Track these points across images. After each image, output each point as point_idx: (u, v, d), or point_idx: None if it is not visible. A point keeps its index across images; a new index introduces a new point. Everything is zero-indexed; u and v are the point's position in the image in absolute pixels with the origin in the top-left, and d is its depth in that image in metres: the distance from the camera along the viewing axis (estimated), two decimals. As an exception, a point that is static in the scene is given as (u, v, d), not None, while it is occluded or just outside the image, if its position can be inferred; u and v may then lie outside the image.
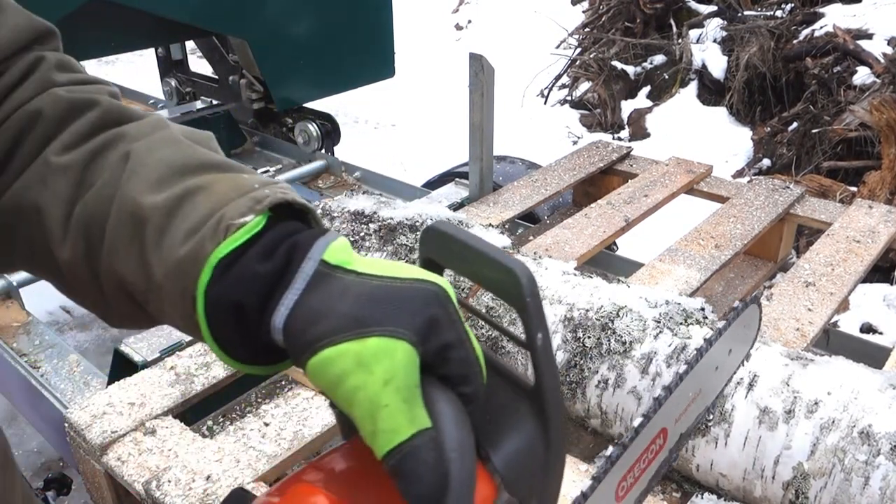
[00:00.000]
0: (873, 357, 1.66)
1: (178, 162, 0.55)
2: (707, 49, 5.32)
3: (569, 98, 5.92)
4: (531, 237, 1.98)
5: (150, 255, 0.52)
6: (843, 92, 4.28)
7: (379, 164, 3.37)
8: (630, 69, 5.67)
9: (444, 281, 0.50)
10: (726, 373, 0.83)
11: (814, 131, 4.27)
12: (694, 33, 5.53)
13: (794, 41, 4.78)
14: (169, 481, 1.14)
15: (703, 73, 5.28)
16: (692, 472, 1.18)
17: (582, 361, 1.26)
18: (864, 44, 4.39)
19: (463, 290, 1.40)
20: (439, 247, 0.53)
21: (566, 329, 1.29)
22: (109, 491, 1.27)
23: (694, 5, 5.72)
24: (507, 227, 2.02)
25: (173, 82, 3.60)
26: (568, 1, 6.93)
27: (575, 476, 1.14)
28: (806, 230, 3.11)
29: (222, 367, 1.42)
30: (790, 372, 1.12)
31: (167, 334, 1.55)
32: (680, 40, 5.51)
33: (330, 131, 3.17)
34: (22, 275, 1.96)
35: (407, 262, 0.95)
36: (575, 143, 5.31)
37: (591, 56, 5.89)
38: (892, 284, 3.28)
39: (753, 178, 2.80)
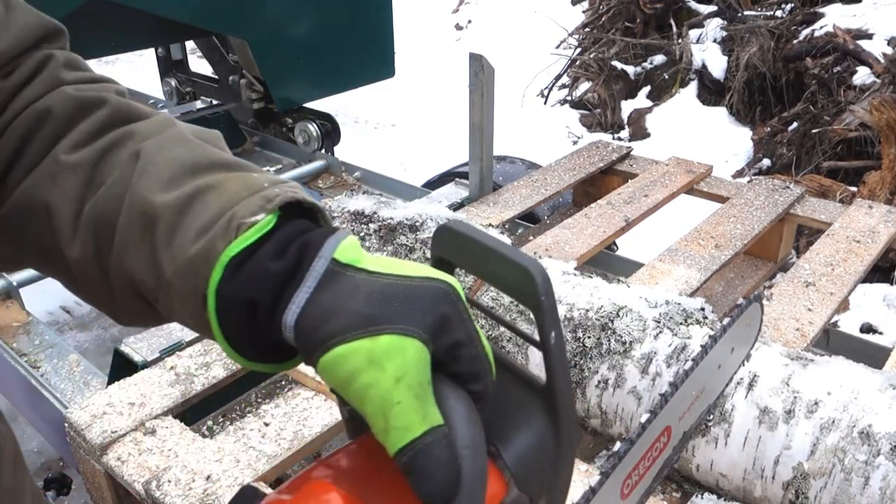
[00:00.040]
0: (873, 357, 1.66)
1: (189, 161, 0.55)
2: (707, 49, 5.32)
3: (569, 98, 5.92)
4: (531, 237, 1.98)
5: (160, 253, 0.52)
6: (843, 92, 4.28)
7: (379, 164, 3.37)
8: (630, 69, 5.67)
9: (454, 279, 0.50)
10: (728, 371, 0.84)
11: (814, 131, 4.27)
12: (694, 33, 5.53)
13: (794, 41, 4.78)
14: (169, 481, 1.14)
15: (703, 73, 5.28)
16: (692, 472, 1.18)
17: (582, 361, 1.26)
18: (864, 44, 4.38)
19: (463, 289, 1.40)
20: (451, 245, 0.53)
21: (566, 329, 1.29)
22: (109, 491, 1.27)
23: (694, 5, 5.72)
24: (507, 227, 2.02)
25: (173, 82, 3.60)
26: (568, 1, 6.93)
27: (574, 476, 1.14)
28: (806, 230, 3.11)
29: (222, 366, 1.42)
30: (790, 372, 1.12)
31: (167, 334, 1.55)
32: (680, 40, 5.51)
33: (330, 131, 3.17)
34: (22, 275, 1.96)
35: (407, 262, 0.94)
36: (575, 143, 5.31)
37: (591, 56, 5.88)
38: (892, 284, 3.27)
39: (753, 178, 2.80)
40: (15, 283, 1.95)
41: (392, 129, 5.77)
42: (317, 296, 0.48)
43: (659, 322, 1.24)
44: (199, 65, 3.90)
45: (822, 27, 4.68)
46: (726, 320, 0.79)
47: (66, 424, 1.31)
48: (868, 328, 3.13)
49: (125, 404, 1.32)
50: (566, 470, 0.52)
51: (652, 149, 4.55)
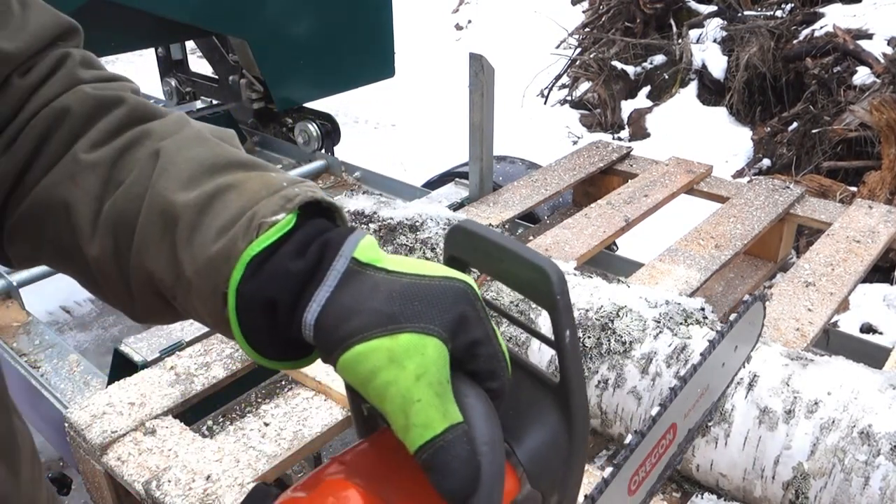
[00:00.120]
0: (873, 357, 1.66)
1: (208, 160, 0.55)
2: (707, 49, 5.32)
3: (569, 98, 5.92)
4: (531, 237, 1.98)
5: (181, 251, 0.52)
6: (843, 92, 4.28)
7: (379, 164, 3.37)
8: (630, 69, 5.67)
9: (470, 278, 0.50)
10: (731, 369, 0.84)
11: (814, 131, 4.27)
12: (694, 33, 5.53)
13: (794, 41, 4.78)
14: (169, 481, 1.14)
15: (703, 73, 5.28)
16: (692, 472, 1.18)
17: (582, 361, 1.26)
18: (864, 44, 4.39)
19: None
20: (465, 245, 0.54)
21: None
22: (109, 491, 1.27)
23: (694, 5, 5.72)
24: (507, 227, 2.02)
25: (173, 82, 3.59)
26: (568, 1, 6.93)
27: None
28: (806, 230, 3.11)
29: (222, 366, 1.43)
30: (790, 372, 1.12)
31: (167, 334, 1.55)
32: (680, 40, 5.51)
33: (330, 131, 3.16)
34: (22, 275, 1.96)
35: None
36: (575, 143, 5.31)
37: (591, 56, 5.89)
38: (892, 284, 3.28)
39: (753, 178, 2.80)
40: (15, 283, 1.94)
41: (392, 129, 5.77)
42: (337, 294, 0.49)
43: (659, 322, 1.24)
44: (199, 65, 3.90)
45: (822, 27, 4.68)
46: (733, 316, 0.80)
47: (66, 424, 1.30)
48: (868, 328, 3.13)
49: (125, 404, 1.32)
50: (578, 468, 0.53)
51: (652, 149, 4.55)
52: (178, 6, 2.55)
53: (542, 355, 1.29)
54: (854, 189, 3.74)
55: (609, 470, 0.63)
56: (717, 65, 5.19)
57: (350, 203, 1.69)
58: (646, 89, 5.60)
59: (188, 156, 0.56)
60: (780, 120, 4.69)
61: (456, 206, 2.20)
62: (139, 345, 1.52)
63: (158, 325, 0.80)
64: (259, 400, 1.50)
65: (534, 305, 1.32)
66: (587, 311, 1.29)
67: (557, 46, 6.39)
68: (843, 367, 1.13)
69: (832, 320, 1.77)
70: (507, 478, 0.49)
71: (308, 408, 1.31)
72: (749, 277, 1.99)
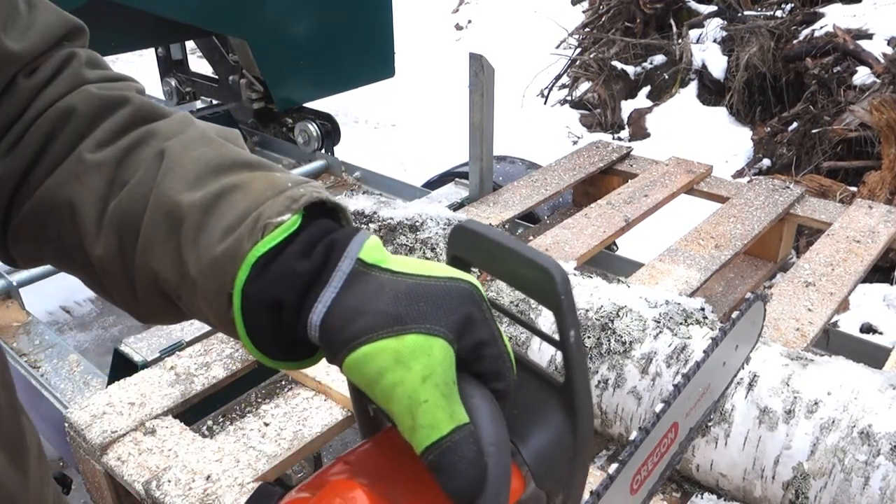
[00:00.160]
0: (873, 357, 1.66)
1: (214, 160, 0.56)
2: (707, 49, 5.32)
3: (569, 98, 5.92)
4: (531, 237, 1.98)
5: (186, 251, 0.53)
6: (843, 92, 4.28)
7: (379, 164, 3.37)
8: (630, 69, 5.67)
9: (475, 279, 0.51)
10: (732, 369, 0.84)
11: (814, 131, 4.27)
12: (694, 33, 5.53)
13: (794, 41, 4.78)
14: (169, 481, 1.14)
15: (703, 73, 5.28)
16: (692, 472, 1.18)
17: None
18: (864, 44, 4.38)
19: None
20: (468, 245, 0.54)
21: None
22: (109, 491, 1.27)
23: (694, 5, 5.72)
24: (507, 227, 2.02)
25: (173, 82, 3.59)
26: (568, 1, 6.93)
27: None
28: (806, 230, 3.11)
29: (222, 367, 1.43)
30: (790, 372, 1.12)
31: (167, 334, 1.55)
32: (680, 40, 5.51)
33: (330, 131, 3.16)
34: (22, 275, 1.96)
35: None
36: (575, 143, 5.31)
37: (591, 56, 5.88)
38: (892, 284, 3.27)
39: (753, 178, 2.81)
40: (15, 283, 1.95)
41: (392, 129, 5.77)
42: (343, 295, 0.49)
43: (659, 322, 1.24)
44: (199, 65, 3.90)
45: (822, 27, 4.68)
46: (735, 313, 0.80)
47: (66, 424, 1.31)
48: (868, 328, 3.13)
49: (125, 404, 1.32)
50: (583, 467, 0.53)
51: (652, 149, 4.55)
52: (178, 6, 2.55)
53: (542, 355, 1.30)
54: (854, 189, 3.74)
55: (614, 466, 0.63)
56: (717, 65, 5.19)
57: (350, 203, 1.69)
58: (646, 89, 5.60)
59: (193, 156, 0.56)
60: (780, 120, 4.69)
61: (456, 206, 2.20)
62: (139, 345, 1.52)
63: (162, 324, 0.80)
64: (259, 400, 1.50)
65: (534, 305, 1.32)
66: (587, 311, 1.29)
67: (557, 46, 6.39)
68: (843, 367, 1.13)
69: (832, 320, 1.77)
70: (512, 477, 0.50)
71: (308, 408, 1.31)
72: (749, 277, 1.99)
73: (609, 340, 1.24)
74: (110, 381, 1.45)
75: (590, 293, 1.33)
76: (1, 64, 0.57)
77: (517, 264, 0.50)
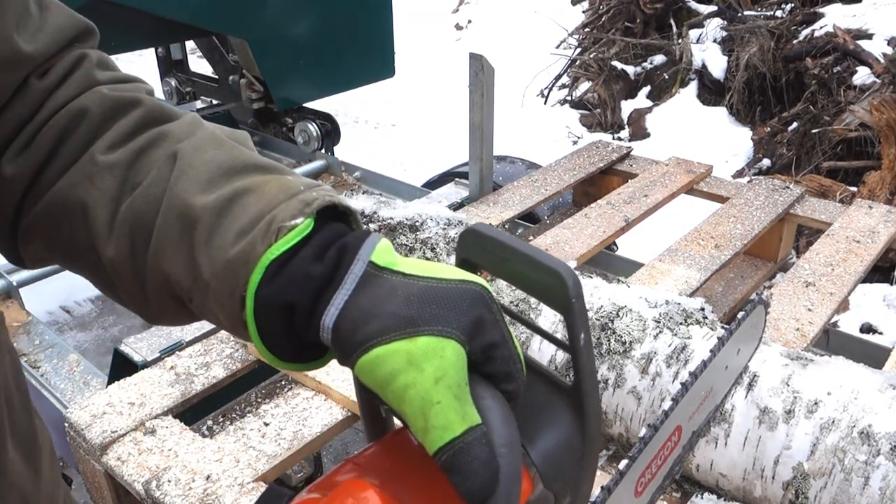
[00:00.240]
0: (873, 357, 1.66)
1: (226, 163, 0.56)
2: (707, 49, 5.32)
3: (569, 98, 5.92)
4: (531, 237, 1.98)
5: (199, 254, 0.53)
6: (843, 92, 4.28)
7: (379, 164, 3.37)
8: (630, 69, 5.67)
9: (485, 281, 0.51)
10: (734, 372, 0.84)
11: (814, 131, 4.27)
12: (694, 33, 5.53)
13: (794, 41, 4.78)
14: (169, 481, 1.14)
15: (703, 73, 5.28)
16: (692, 472, 1.18)
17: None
18: (864, 44, 4.38)
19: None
20: (478, 248, 0.54)
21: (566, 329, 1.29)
22: (109, 491, 1.27)
23: (694, 5, 5.72)
24: (507, 227, 2.02)
25: (173, 82, 3.59)
26: (568, 1, 6.93)
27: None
28: (806, 230, 3.11)
29: (222, 367, 1.43)
30: (790, 372, 1.12)
31: (167, 334, 1.55)
32: (680, 40, 5.51)
33: (330, 131, 3.16)
34: (22, 275, 1.96)
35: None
36: (575, 143, 5.31)
37: (591, 56, 5.89)
38: (892, 284, 3.27)
39: (753, 178, 2.80)
40: (15, 283, 1.94)
41: (392, 129, 5.77)
42: (355, 298, 0.49)
43: (659, 322, 1.24)
44: (199, 65, 3.90)
45: (822, 27, 4.68)
46: (740, 314, 0.80)
47: (66, 424, 1.30)
48: (868, 328, 3.13)
49: (125, 404, 1.32)
50: (591, 469, 0.54)
51: (652, 149, 4.55)
52: (178, 6, 2.55)
53: (541, 354, 1.30)
54: (854, 189, 3.74)
55: (625, 462, 0.64)
56: (717, 65, 5.19)
57: (350, 203, 1.68)
58: (646, 89, 5.60)
59: (205, 158, 0.56)
60: (780, 120, 4.69)
61: (456, 206, 2.20)
62: (139, 345, 1.52)
63: (171, 326, 0.81)
64: (259, 400, 1.50)
65: (534, 305, 1.32)
66: (587, 311, 1.29)
67: (557, 46, 6.39)
68: (843, 367, 1.13)
69: (832, 320, 1.77)
70: (522, 478, 0.50)
71: (308, 408, 1.31)
72: (749, 277, 1.99)
73: (609, 340, 1.24)
74: (110, 381, 1.45)
75: (590, 293, 1.33)
76: (13, 65, 0.57)
77: (528, 267, 0.51)
